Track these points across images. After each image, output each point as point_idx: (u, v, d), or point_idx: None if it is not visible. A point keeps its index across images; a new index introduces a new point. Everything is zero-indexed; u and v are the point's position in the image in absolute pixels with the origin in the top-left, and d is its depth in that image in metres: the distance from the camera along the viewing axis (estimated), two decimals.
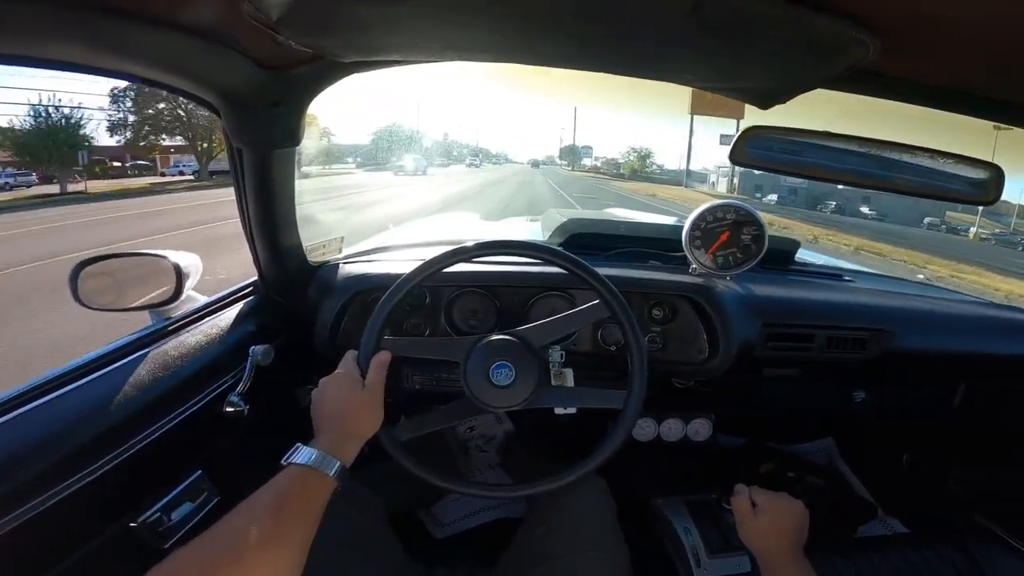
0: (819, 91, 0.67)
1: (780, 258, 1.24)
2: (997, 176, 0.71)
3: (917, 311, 1.10)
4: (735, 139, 0.69)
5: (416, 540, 0.92)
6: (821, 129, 0.70)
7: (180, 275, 0.91)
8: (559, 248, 0.83)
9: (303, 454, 0.61)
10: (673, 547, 1.08)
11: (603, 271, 0.82)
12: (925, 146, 0.70)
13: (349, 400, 0.70)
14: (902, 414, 1.35)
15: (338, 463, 0.62)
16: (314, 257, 1.07)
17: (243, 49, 0.65)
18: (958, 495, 1.29)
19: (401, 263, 1.06)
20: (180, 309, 0.95)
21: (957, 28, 0.49)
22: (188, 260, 0.93)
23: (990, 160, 0.70)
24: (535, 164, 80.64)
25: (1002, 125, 0.75)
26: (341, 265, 1.08)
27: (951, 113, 0.73)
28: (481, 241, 0.81)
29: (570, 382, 0.81)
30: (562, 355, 0.82)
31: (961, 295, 1.30)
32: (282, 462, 0.61)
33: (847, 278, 1.26)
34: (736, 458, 1.48)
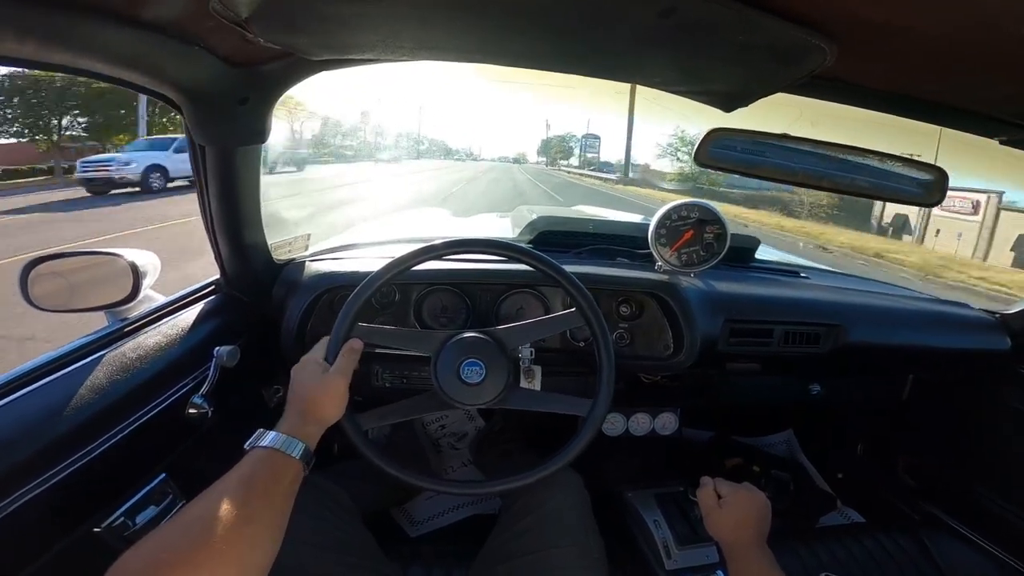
0: (780, 95, 0.70)
1: (742, 255, 1.28)
2: (942, 178, 0.75)
3: (867, 307, 1.15)
4: (699, 141, 0.71)
5: (391, 539, 0.91)
6: (781, 132, 0.73)
7: (137, 274, 0.88)
8: (529, 247, 0.84)
9: (267, 438, 0.62)
10: (644, 539, 1.10)
11: (572, 268, 0.83)
12: (876, 149, 0.73)
13: (315, 384, 0.70)
14: (855, 405, 1.42)
15: (302, 445, 0.62)
16: (279, 255, 1.05)
17: (209, 46, 0.63)
18: (908, 485, 1.36)
19: (369, 260, 1.05)
20: (138, 309, 0.91)
21: (908, 35, 0.52)
22: (145, 258, 0.90)
23: (934, 163, 0.75)
24: (517, 160, 74.40)
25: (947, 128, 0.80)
26: (308, 263, 1.06)
27: (902, 118, 0.77)
28: (452, 239, 0.81)
29: (538, 384, 0.83)
30: (532, 352, 0.83)
31: (910, 291, 1.37)
32: (245, 447, 0.61)
33: (804, 275, 1.31)
34: (702, 451, 1.52)
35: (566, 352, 1.07)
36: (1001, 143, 0.82)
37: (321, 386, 0.70)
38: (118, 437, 0.72)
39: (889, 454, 1.42)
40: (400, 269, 0.78)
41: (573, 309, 0.80)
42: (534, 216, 1.31)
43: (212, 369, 0.88)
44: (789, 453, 1.60)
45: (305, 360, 0.74)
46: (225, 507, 0.52)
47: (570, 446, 0.78)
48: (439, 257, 0.81)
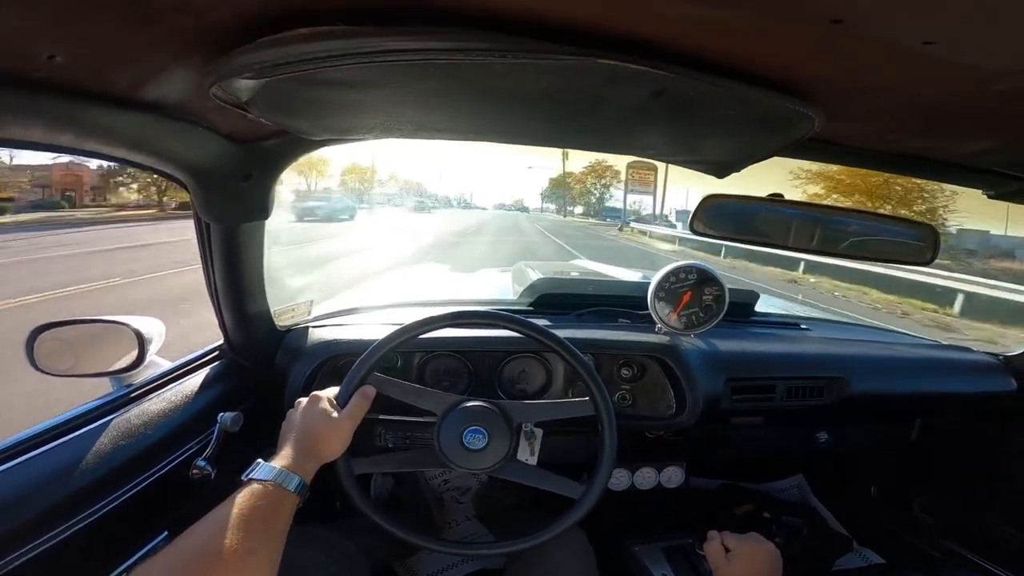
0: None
1: (741, 310, 1.29)
2: (932, 236, 0.76)
3: (869, 357, 1.15)
4: (694, 209, 0.73)
5: None
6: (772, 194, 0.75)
7: (142, 341, 0.88)
8: (540, 325, 0.84)
9: (263, 470, 0.62)
10: None
11: (575, 333, 0.83)
12: (866, 210, 0.75)
13: (322, 421, 0.71)
14: (864, 450, 1.39)
15: (298, 478, 0.62)
16: (282, 321, 1.05)
17: (211, 125, 0.65)
18: (926, 522, 1.33)
19: (372, 327, 1.06)
20: (143, 374, 0.92)
21: (890, 96, 0.54)
22: (150, 326, 0.91)
23: (925, 221, 0.76)
24: (520, 208, 63.80)
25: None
26: (311, 329, 1.06)
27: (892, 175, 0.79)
28: (459, 311, 0.82)
29: (538, 444, 0.83)
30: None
31: (912, 337, 1.37)
32: (242, 478, 0.61)
33: (803, 326, 1.31)
34: (710, 500, 1.49)
35: None
36: (989, 197, 0.84)
37: (330, 426, 0.70)
38: (122, 499, 0.72)
39: (903, 494, 1.40)
40: (404, 339, 0.80)
41: (587, 399, 0.81)
42: (535, 275, 1.32)
43: (215, 434, 0.88)
44: (800, 498, 1.56)
45: (316, 396, 0.74)
46: (226, 540, 0.52)
47: (564, 519, 0.78)
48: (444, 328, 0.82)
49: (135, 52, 0.46)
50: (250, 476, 0.61)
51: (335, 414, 0.72)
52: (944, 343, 1.29)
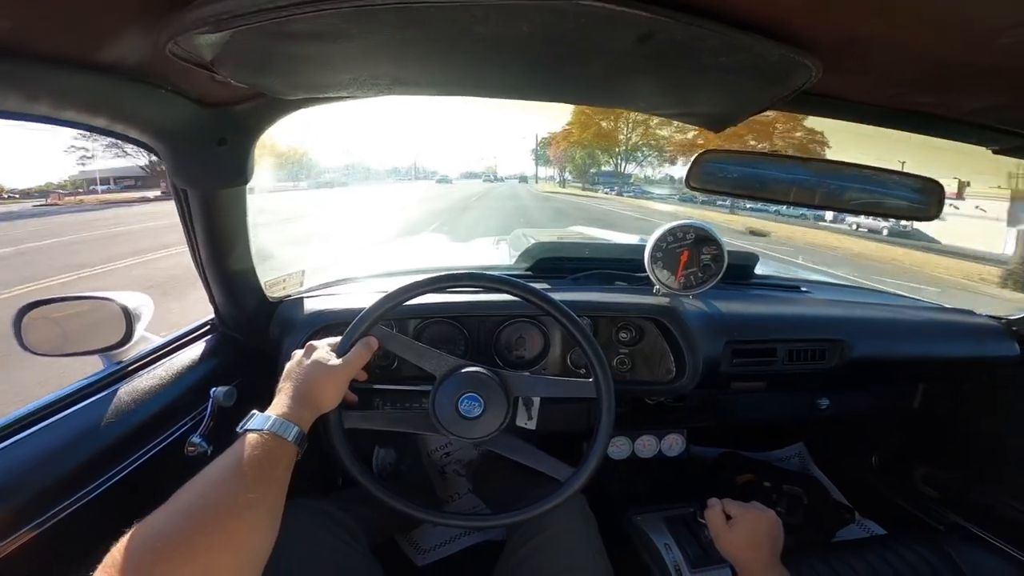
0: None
1: (741, 273, 1.27)
2: (938, 191, 0.74)
3: (871, 319, 1.14)
4: (690, 165, 0.70)
5: (397, 569, 0.89)
6: (771, 151, 0.73)
7: (129, 317, 0.87)
8: (537, 288, 0.82)
9: (259, 419, 0.60)
10: (655, 563, 1.07)
11: (571, 296, 0.81)
12: (870, 164, 0.72)
13: (319, 368, 0.69)
14: (866, 417, 1.38)
15: (296, 428, 0.60)
16: (273, 292, 1.04)
17: (178, 88, 0.62)
18: (927, 494, 1.33)
19: (369, 295, 1.04)
20: (134, 351, 0.91)
21: (893, 49, 0.51)
22: (137, 301, 0.90)
23: (930, 176, 0.74)
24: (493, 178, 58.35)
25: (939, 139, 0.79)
26: (304, 300, 1.05)
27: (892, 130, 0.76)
28: (453, 272, 0.80)
29: (535, 413, 0.82)
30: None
31: (913, 300, 1.35)
32: (237, 429, 0.59)
33: (804, 289, 1.30)
34: (711, 469, 1.49)
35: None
36: (994, 152, 0.81)
37: (327, 373, 0.68)
38: (117, 478, 0.71)
39: (905, 463, 1.39)
40: (410, 296, 0.78)
41: (590, 380, 0.79)
42: (530, 241, 1.30)
43: (209, 410, 0.87)
44: (801, 467, 1.56)
45: (314, 345, 0.73)
46: (223, 492, 0.50)
47: (563, 489, 0.77)
48: (443, 290, 0.80)
49: (85, 11, 0.44)
50: (245, 427, 0.59)
51: (333, 361, 0.70)
52: (946, 306, 1.27)
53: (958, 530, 1.19)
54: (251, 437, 0.57)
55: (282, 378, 0.69)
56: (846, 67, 0.57)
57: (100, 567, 0.43)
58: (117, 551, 0.44)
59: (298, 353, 0.72)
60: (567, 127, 36.59)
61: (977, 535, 1.16)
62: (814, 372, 1.07)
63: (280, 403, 0.63)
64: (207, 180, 0.78)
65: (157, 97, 0.61)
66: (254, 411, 0.61)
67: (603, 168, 36.68)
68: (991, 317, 1.20)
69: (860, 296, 1.32)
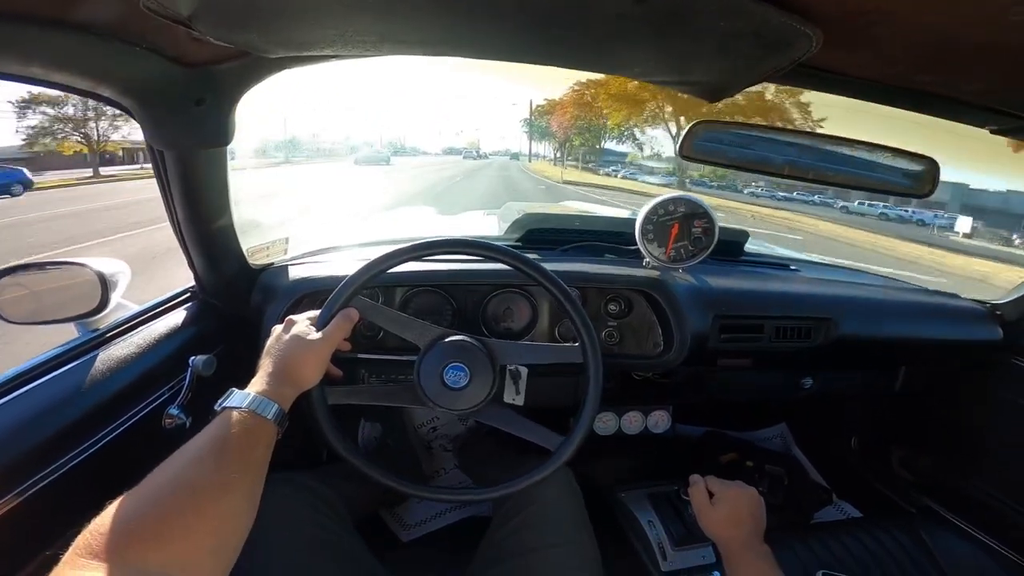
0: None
1: (731, 249, 1.27)
2: (933, 169, 0.73)
3: (857, 299, 1.14)
4: (683, 134, 0.69)
5: (382, 544, 0.89)
6: (767, 124, 0.71)
7: (105, 284, 0.85)
8: (523, 254, 0.80)
9: (237, 397, 0.58)
10: (639, 540, 1.09)
11: (559, 266, 0.80)
12: (864, 140, 0.71)
13: (299, 343, 0.67)
14: (847, 397, 1.40)
15: (276, 406, 0.59)
16: (257, 260, 1.01)
17: (154, 46, 0.59)
18: (903, 478, 1.36)
19: (354, 263, 1.02)
20: (109, 319, 0.88)
21: (895, 23, 0.50)
22: (113, 267, 0.87)
23: (926, 154, 0.73)
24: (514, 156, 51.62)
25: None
26: (288, 267, 1.03)
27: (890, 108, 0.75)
28: (443, 238, 0.78)
29: (523, 384, 0.81)
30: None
31: (900, 282, 1.36)
32: (216, 407, 0.57)
33: (793, 267, 1.30)
34: (695, 448, 1.51)
35: None
36: (991, 132, 0.80)
37: (307, 348, 0.66)
38: (92, 449, 0.69)
39: (883, 446, 1.42)
40: (392, 264, 0.76)
41: (576, 345, 0.78)
42: (521, 214, 1.29)
43: (188, 379, 0.86)
44: (783, 447, 1.59)
45: (292, 319, 0.71)
46: (200, 473, 0.49)
47: (550, 462, 0.76)
48: (431, 256, 0.78)
49: None
50: (223, 405, 0.57)
51: (312, 336, 0.68)
52: (931, 288, 1.28)
53: (931, 514, 1.22)
54: (229, 415, 0.56)
55: (263, 354, 0.67)
56: (846, 40, 0.55)
57: (72, 549, 0.42)
58: (90, 533, 0.43)
59: (277, 328, 0.70)
60: (576, 88, 28.74)
61: (948, 519, 1.18)
62: (800, 350, 1.07)
63: (260, 380, 0.62)
64: (185, 141, 0.75)
65: (131, 55, 0.58)
66: (233, 388, 0.59)
67: (639, 141, 27.99)
68: (975, 301, 1.21)
69: (848, 276, 1.33)
